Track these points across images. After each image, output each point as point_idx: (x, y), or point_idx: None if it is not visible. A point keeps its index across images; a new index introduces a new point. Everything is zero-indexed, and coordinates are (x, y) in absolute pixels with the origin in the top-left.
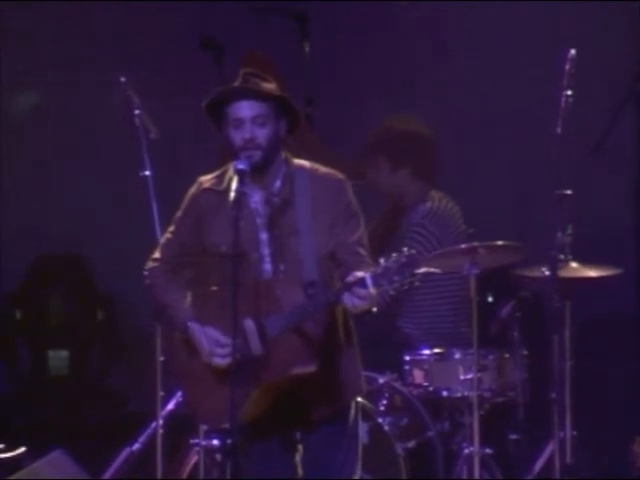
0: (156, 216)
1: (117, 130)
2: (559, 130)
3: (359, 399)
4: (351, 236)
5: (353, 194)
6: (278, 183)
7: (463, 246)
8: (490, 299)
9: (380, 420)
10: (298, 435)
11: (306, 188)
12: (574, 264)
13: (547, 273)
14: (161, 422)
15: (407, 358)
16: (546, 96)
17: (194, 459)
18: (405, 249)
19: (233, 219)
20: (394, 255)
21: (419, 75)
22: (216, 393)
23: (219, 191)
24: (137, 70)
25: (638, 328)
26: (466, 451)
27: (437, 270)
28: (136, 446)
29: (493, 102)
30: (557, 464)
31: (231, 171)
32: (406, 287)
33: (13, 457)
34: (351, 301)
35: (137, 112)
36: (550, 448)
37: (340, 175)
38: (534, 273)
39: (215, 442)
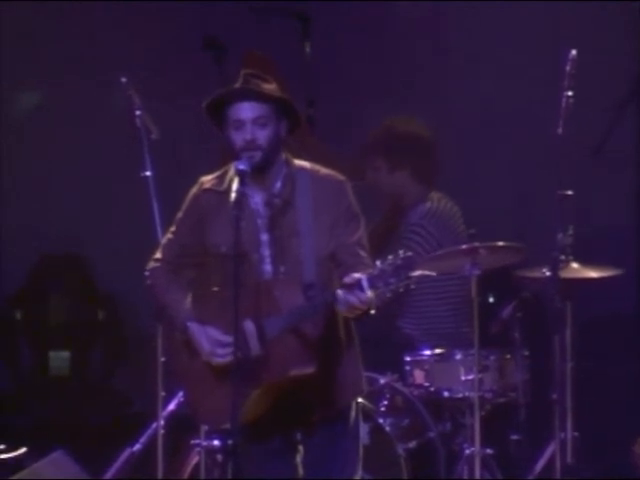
0: (157, 216)
1: (118, 130)
2: (560, 130)
3: (360, 400)
4: (351, 237)
5: (353, 195)
6: (279, 184)
7: (464, 247)
8: (491, 300)
9: (381, 421)
10: (299, 436)
11: (307, 189)
12: (575, 265)
13: (548, 274)
14: (162, 422)
15: (408, 359)
16: (546, 96)
17: (195, 459)
18: (401, 251)
19: (234, 220)
20: (390, 257)
21: (419, 75)
22: (216, 393)
23: (220, 192)
24: (138, 70)
25: (639, 328)
26: (467, 452)
27: (432, 273)
28: (137, 446)
29: (493, 102)
30: (558, 464)
31: (232, 172)
32: (402, 290)
33: (14, 457)
34: (347, 302)
35: (138, 112)
36: (551, 449)
37: (341, 176)
38: (535, 274)
39: (216, 442)
